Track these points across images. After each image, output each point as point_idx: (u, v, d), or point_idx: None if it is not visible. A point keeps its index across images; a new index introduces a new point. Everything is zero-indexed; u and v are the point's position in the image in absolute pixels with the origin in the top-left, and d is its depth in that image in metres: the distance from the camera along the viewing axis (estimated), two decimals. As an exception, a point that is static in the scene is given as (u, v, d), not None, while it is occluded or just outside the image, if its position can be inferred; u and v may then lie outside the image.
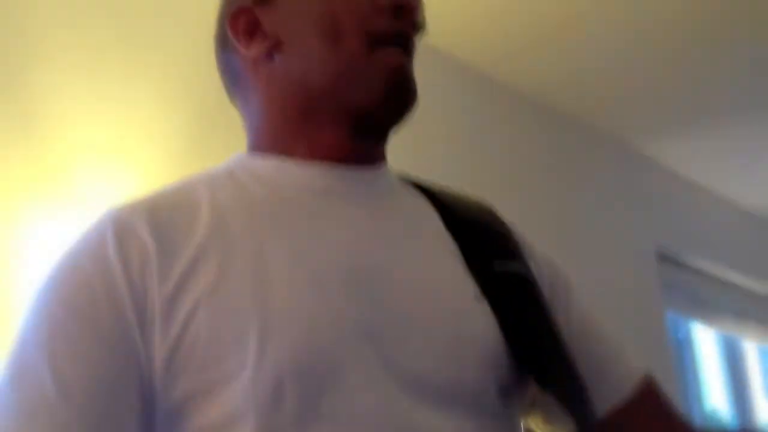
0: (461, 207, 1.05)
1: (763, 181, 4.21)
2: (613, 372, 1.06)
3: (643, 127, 3.63)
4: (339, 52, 0.95)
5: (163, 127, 1.96)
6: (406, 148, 1.30)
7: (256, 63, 1.00)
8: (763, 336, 4.66)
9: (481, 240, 1.00)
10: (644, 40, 2.94)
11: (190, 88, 2.01)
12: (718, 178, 4.15)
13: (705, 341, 4.31)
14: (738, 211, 4.49)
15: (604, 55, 3.01)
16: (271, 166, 0.97)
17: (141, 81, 1.97)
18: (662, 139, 3.74)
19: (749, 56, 3.06)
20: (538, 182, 3.19)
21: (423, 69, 1.02)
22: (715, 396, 4.29)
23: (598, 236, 3.42)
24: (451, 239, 0.98)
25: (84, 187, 1.79)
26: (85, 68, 1.89)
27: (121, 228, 0.85)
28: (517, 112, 3.21)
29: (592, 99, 3.34)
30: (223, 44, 1.05)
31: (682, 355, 3.95)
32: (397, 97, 0.96)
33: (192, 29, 2.07)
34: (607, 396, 1.02)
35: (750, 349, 4.66)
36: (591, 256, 3.32)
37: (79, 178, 1.80)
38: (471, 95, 2.99)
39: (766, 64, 3.12)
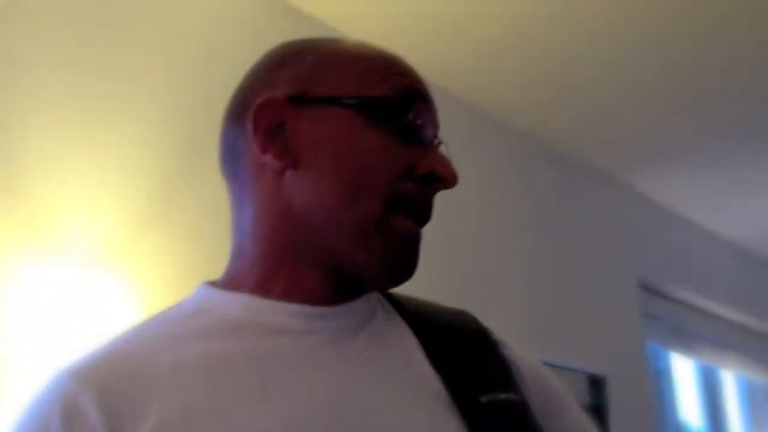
0: (443, 328, 0.98)
1: (744, 213, 4.28)
2: None
3: (627, 161, 3.69)
4: (354, 207, 0.88)
5: (142, 167, 1.93)
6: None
7: (263, 167, 0.91)
8: (742, 366, 4.72)
9: (466, 369, 0.93)
10: (630, 76, 3.00)
11: (170, 129, 2.00)
12: (700, 211, 4.22)
13: (684, 371, 4.37)
14: (719, 243, 4.56)
15: (588, 89, 3.07)
16: (242, 307, 0.90)
17: (121, 123, 1.95)
18: (646, 172, 3.80)
19: (731, 90, 3.13)
20: (522, 214, 3.24)
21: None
22: (693, 424, 4.35)
23: (582, 267, 3.48)
24: (433, 373, 0.91)
25: (63, 228, 1.78)
26: (64, 110, 1.87)
27: (68, 409, 0.79)
28: (500, 144, 3.25)
29: (578, 132, 3.40)
30: (234, 120, 0.96)
31: (661, 383, 4.00)
32: (394, 268, 0.90)
33: (171, 71, 2.10)
34: None
35: (728, 378, 4.72)
36: (575, 287, 3.38)
37: (59, 218, 1.78)
38: (457, 127, 3.03)
39: (749, 98, 3.19)
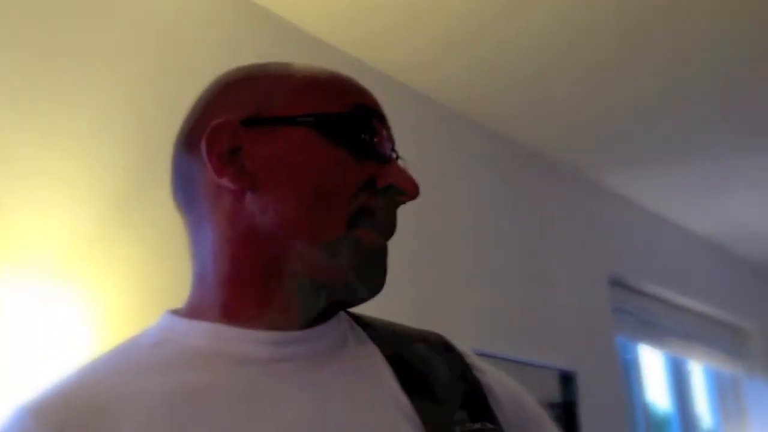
0: (414, 352, 0.97)
1: (711, 208, 4.33)
2: None
3: (598, 157, 3.72)
4: (317, 225, 0.87)
5: (96, 180, 1.91)
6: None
7: (220, 192, 0.89)
8: (709, 357, 4.79)
9: (439, 396, 0.92)
10: (600, 72, 3.02)
11: (127, 138, 1.98)
12: (669, 207, 4.27)
13: (653, 363, 4.42)
14: (687, 238, 4.62)
15: (560, 86, 3.09)
16: (207, 336, 0.87)
17: (73, 135, 1.91)
18: (616, 168, 3.84)
19: (702, 89, 3.16)
20: (492, 211, 3.26)
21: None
22: (663, 415, 4.41)
23: (553, 264, 3.51)
24: (405, 400, 0.90)
25: (14, 245, 1.75)
26: (14, 122, 1.82)
27: None
28: (472, 140, 3.27)
29: (549, 129, 3.42)
30: (187, 148, 0.93)
31: (630, 377, 4.06)
32: (363, 281, 0.89)
33: (129, 76, 2.07)
34: None
35: (696, 369, 4.78)
36: (545, 283, 3.41)
37: (9, 235, 1.75)
38: (426, 122, 3.03)
39: (719, 96, 3.22)
